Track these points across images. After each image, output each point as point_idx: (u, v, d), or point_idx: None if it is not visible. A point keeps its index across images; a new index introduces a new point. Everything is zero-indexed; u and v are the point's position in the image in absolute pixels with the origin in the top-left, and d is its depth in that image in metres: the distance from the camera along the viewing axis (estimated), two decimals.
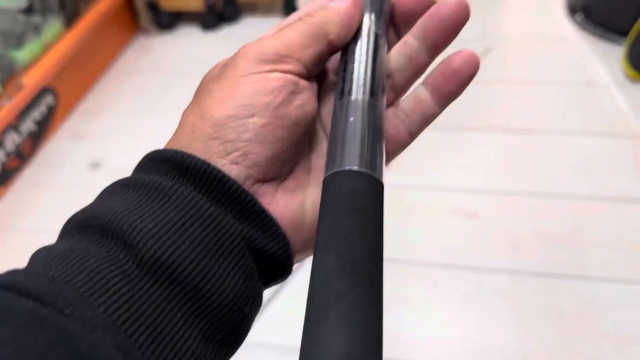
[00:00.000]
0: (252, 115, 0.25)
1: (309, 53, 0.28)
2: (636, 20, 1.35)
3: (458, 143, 1.20)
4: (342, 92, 0.28)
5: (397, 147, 0.31)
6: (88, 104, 1.44)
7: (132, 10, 1.66)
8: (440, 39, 0.31)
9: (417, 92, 0.31)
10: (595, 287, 0.91)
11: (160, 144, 1.14)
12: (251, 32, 1.64)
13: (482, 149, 1.18)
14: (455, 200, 1.07)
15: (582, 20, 1.47)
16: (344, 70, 0.29)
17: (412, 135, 0.31)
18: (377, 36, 0.30)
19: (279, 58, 0.27)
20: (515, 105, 1.28)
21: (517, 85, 1.33)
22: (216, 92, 0.27)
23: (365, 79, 0.28)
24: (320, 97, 0.31)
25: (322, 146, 0.30)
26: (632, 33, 1.33)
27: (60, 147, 1.32)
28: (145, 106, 1.41)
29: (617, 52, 1.38)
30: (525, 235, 1.00)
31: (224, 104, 0.26)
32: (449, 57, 0.31)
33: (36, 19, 1.34)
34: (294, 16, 0.31)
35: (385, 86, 0.29)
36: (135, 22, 1.67)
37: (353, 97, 0.27)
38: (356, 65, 0.28)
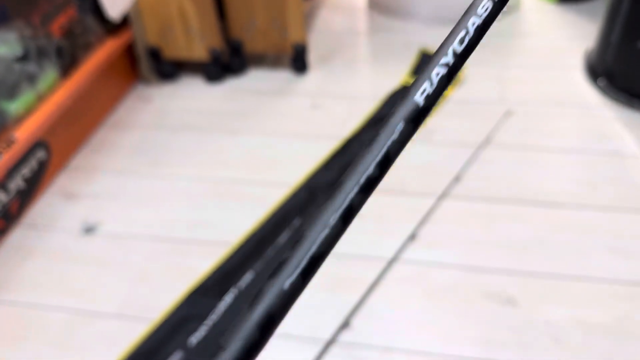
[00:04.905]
0: None
1: None
2: None
3: (486, 216, 1.12)
4: None
5: None
6: (82, 160, 1.34)
7: (132, 58, 1.57)
8: None
9: None
10: None
11: (159, 210, 1.03)
12: (258, 85, 1.57)
13: (512, 224, 1.10)
14: (489, 282, 0.98)
15: (605, 85, 1.42)
16: None
17: None
18: None
19: None
20: (542, 175, 1.21)
21: (541, 153, 1.26)
22: None
23: None
24: None
25: None
26: None
27: (50, 207, 1.21)
28: (144, 165, 1.31)
29: None
30: (566, 326, 0.91)
31: None
32: None
33: (31, 67, 1.24)
34: None
35: None
36: (135, 70, 1.59)
37: None
38: None
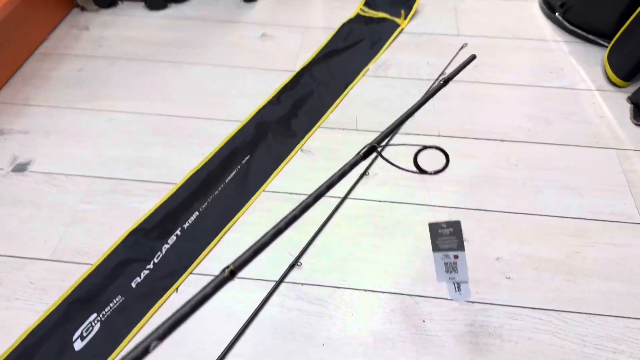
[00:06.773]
0: None
1: None
2: (618, 21, 1.27)
3: (438, 153, 1.09)
4: None
5: None
6: (10, 93, 1.23)
7: None
8: None
9: None
10: (597, 326, 0.83)
11: (97, 148, 0.95)
12: (203, 12, 1.47)
13: (464, 160, 1.07)
14: (440, 218, 0.96)
15: (560, 19, 1.39)
16: None
17: None
18: None
19: None
20: (496, 111, 1.18)
21: (495, 88, 1.23)
22: None
23: None
24: None
25: None
26: (616, 38, 1.25)
27: None
28: (79, 98, 1.21)
29: (597, 55, 1.31)
30: (517, 262, 0.91)
31: None
32: None
33: None
34: None
35: None
36: None
37: None
38: None
